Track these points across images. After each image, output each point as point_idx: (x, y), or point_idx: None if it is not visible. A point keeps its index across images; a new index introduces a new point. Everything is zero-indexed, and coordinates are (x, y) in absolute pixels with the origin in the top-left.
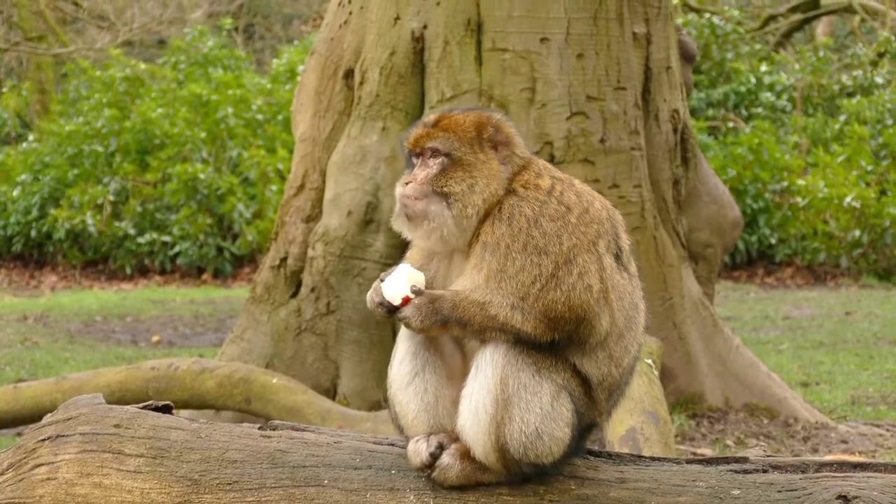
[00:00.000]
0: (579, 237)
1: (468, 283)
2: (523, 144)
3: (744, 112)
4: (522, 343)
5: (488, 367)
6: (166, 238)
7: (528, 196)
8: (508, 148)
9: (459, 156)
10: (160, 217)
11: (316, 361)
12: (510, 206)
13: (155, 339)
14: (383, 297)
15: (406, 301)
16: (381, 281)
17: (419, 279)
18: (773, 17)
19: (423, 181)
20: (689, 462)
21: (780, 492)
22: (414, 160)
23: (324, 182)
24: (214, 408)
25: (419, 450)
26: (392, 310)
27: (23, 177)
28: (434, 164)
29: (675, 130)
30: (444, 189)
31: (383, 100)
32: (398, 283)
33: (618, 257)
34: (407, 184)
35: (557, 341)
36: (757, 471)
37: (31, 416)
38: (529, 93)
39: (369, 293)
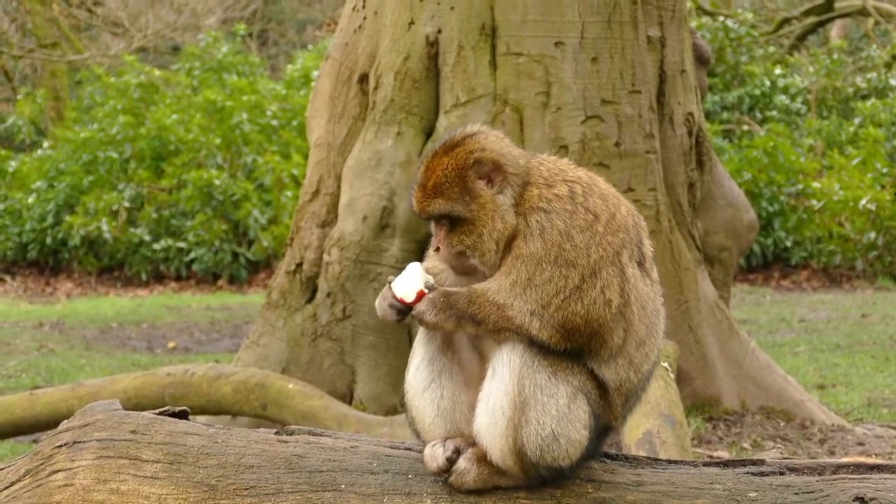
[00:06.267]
0: (605, 248)
1: (493, 284)
2: (516, 154)
3: (758, 115)
4: (537, 345)
5: (505, 368)
6: (182, 244)
7: (554, 208)
8: (500, 173)
9: (458, 214)
10: (175, 223)
11: (332, 366)
12: (539, 222)
13: (171, 345)
14: (393, 299)
15: (419, 297)
16: (390, 283)
17: (430, 279)
18: (787, 20)
19: (444, 245)
20: (705, 465)
21: (797, 494)
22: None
23: (339, 187)
24: (231, 413)
25: (436, 454)
26: (404, 310)
27: (38, 184)
28: (443, 226)
29: (689, 134)
30: (459, 248)
31: (398, 104)
32: (410, 280)
33: (641, 264)
34: (437, 249)
35: (570, 350)
36: (774, 473)
37: (47, 423)
38: (544, 97)
39: (377, 300)
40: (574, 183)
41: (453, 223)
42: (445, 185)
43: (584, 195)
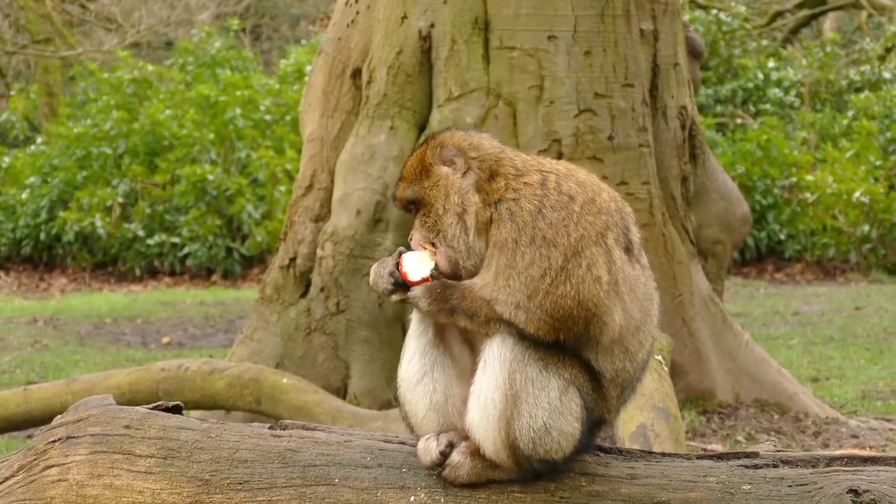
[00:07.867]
0: (586, 228)
1: (479, 280)
2: (486, 145)
3: (752, 108)
4: (529, 339)
5: (496, 361)
6: (175, 239)
7: (524, 195)
8: (462, 156)
9: (420, 196)
10: (169, 218)
11: (326, 361)
12: (509, 207)
13: (165, 340)
14: (396, 269)
15: (422, 282)
16: (401, 253)
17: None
18: (780, 13)
19: (417, 230)
20: (699, 458)
21: (790, 486)
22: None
23: (332, 182)
24: (225, 408)
25: (429, 448)
26: (402, 285)
27: (31, 179)
28: (414, 214)
29: (683, 127)
30: (425, 229)
31: (391, 99)
32: (422, 262)
33: (628, 250)
34: (411, 238)
35: (563, 342)
36: (767, 466)
37: (41, 418)
38: (537, 90)
39: (376, 266)
40: (548, 173)
41: (419, 212)
42: (410, 174)
43: (558, 182)
